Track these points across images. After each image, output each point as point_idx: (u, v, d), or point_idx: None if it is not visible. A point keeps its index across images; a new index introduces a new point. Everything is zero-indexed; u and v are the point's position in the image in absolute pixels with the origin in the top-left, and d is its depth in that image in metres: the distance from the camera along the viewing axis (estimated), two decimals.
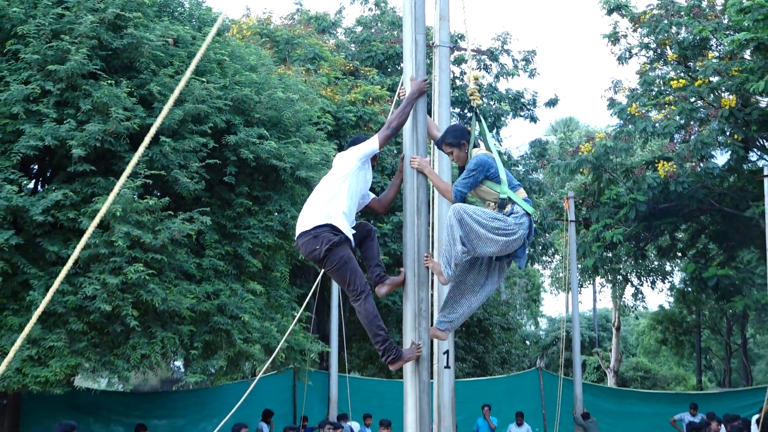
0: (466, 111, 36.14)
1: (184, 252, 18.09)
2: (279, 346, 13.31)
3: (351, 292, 7.21)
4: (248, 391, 11.59)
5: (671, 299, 49.89)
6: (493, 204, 7.46)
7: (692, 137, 27.59)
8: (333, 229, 7.27)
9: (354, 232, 7.48)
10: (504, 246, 7.25)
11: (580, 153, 30.29)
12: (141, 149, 6.40)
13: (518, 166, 37.43)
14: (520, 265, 7.60)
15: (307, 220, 7.38)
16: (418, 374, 7.20)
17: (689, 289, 41.59)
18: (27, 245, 17.31)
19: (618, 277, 45.58)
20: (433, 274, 7.54)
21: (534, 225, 7.54)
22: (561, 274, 46.45)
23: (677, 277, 46.39)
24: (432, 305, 7.68)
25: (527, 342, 51.72)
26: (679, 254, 37.07)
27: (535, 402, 26.90)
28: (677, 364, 56.97)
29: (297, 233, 7.46)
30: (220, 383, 23.94)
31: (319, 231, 7.24)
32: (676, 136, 28.57)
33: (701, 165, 28.01)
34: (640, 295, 52.63)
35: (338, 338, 25.39)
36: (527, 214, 7.42)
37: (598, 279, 49.16)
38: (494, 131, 37.13)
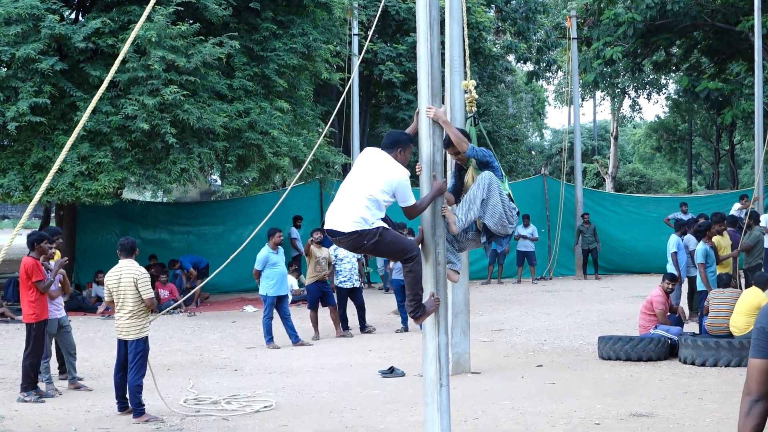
0: None
1: (215, 74, 18.02)
2: (307, 159, 13.35)
3: (406, 257, 6.98)
4: (280, 201, 11.63)
5: (666, 109, 49.58)
6: None
7: None
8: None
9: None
10: (501, 230, 7.20)
11: None
12: None
13: None
14: (498, 249, 7.60)
15: (344, 221, 6.89)
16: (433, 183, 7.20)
17: (682, 99, 41.26)
18: (72, 70, 17.27)
19: (616, 90, 45.18)
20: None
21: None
22: (564, 89, 46.01)
23: (672, 89, 45.93)
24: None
25: (533, 152, 51.64)
26: (674, 68, 36.63)
27: (540, 206, 27.01)
28: (670, 169, 57.05)
29: (333, 228, 6.94)
30: (254, 193, 24.19)
31: (361, 231, 6.84)
32: None
33: None
34: (636, 107, 52.41)
35: (360, 151, 25.41)
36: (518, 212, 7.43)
37: (598, 93, 48.76)
38: None
